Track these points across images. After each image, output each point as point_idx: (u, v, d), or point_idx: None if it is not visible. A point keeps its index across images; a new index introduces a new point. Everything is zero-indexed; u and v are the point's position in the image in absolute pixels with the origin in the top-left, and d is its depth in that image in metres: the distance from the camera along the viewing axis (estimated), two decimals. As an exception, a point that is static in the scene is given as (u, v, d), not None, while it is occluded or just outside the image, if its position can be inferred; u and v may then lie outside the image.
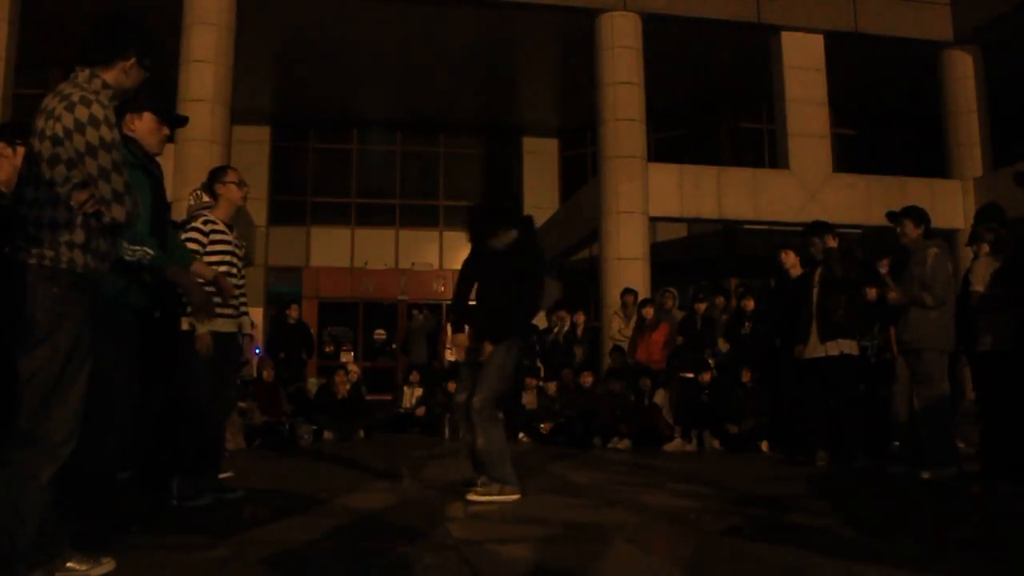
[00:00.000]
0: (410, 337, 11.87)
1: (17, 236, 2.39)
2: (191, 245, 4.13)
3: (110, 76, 2.55)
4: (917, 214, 5.69)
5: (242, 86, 12.28)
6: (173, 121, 3.57)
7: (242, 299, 4.54)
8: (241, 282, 4.51)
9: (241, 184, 4.47)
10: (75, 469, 2.56)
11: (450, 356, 11.30)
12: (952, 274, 5.61)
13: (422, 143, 18.97)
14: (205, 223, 4.31)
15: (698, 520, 3.79)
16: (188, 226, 4.31)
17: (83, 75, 2.51)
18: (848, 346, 6.08)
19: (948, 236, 12.27)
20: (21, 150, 3.00)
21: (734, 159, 15.95)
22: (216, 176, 4.49)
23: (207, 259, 4.20)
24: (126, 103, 3.36)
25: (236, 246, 4.43)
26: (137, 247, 3.03)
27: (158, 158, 3.48)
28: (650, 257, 12.32)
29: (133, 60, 2.58)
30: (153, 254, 3.09)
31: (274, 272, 17.69)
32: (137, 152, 3.28)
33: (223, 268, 4.24)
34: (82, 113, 2.38)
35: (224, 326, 4.22)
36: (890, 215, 5.84)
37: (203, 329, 4.09)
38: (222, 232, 4.33)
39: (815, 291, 6.23)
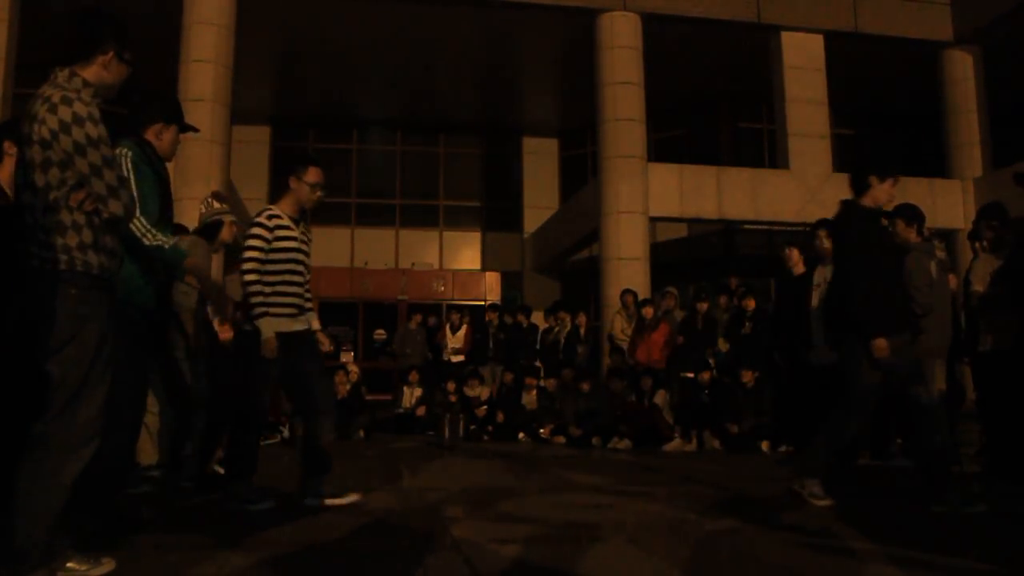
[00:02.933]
0: (407, 338, 11.83)
1: (29, 243, 2.41)
2: (254, 242, 3.97)
3: (90, 73, 2.53)
4: (909, 213, 5.64)
5: (242, 86, 12.28)
6: (187, 129, 3.67)
7: (307, 296, 4.28)
8: (307, 278, 4.27)
9: (316, 187, 4.18)
10: (87, 470, 2.57)
11: (445, 356, 11.22)
12: (935, 277, 5.56)
13: (422, 143, 18.97)
14: (269, 217, 4.05)
15: (698, 520, 3.79)
16: (252, 221, 4.08)
17: (62, 75, 2.50)
18: None
19: (948, 236, 12.27)
20: None
21: (734, 159, 15.96)
22: (295, 169, 4.20)
23: (272, 255, 4.00)
24: (158, 112, 3.45)
25: (303, 241, 4.18)
26: (158, 234, 3.08)
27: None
28: (650, 257, 12.32)
29: (112, 54, 2.56)
30: (172, 242, 3.14)
31: (274, 272, 17.69)
32: (151, 154, 3.32)
33: (288, 266, 4.03)
34: (65, 113, 2.38)
35: (287, 325, 4.03)
36: (887, 215, 5.82)
37: (268, 332, 3.91)
38: (287, 227, 4.06)
39: (815, 293, 6.21)
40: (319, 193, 4.21)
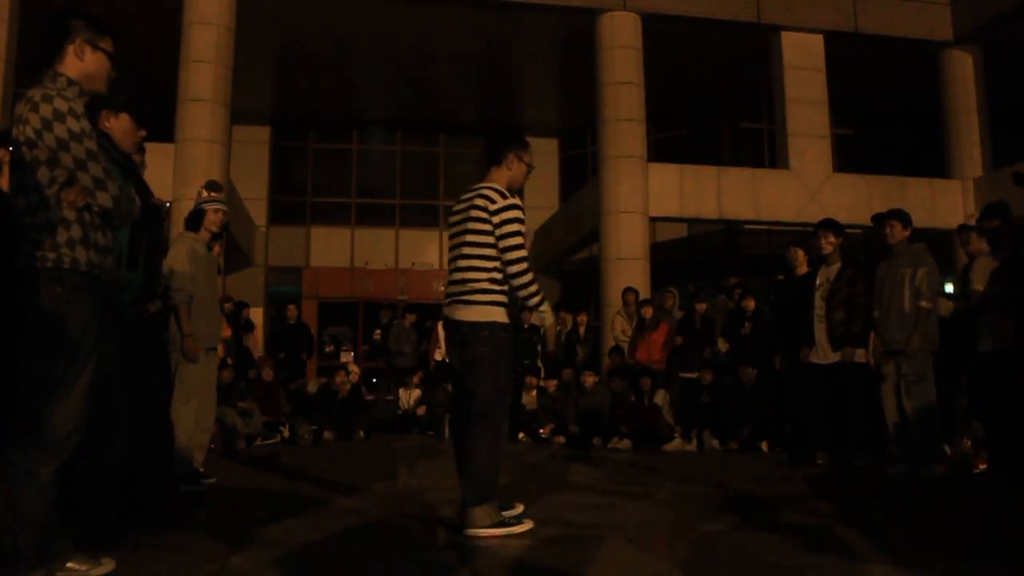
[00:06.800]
0: (403, 337, 11.82)
1: (21, 243, 2.43)
2: (519, 227, 3.45)
3: (68, 68, 2.54)
4: (904, 216, 5.80)
5: (242, 86, 12.27)
6: (143, 123, 3.63)
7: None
8: None
9: (531, 169, 3.76)
10: (86, 470, 2.57)
11: (439, 356, 11.20)
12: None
13: (422, 143, 18.96)
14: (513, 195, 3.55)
15: (698, 520, 3.79)
16: (509, 204, 3.49)
17: (47, 76, 2.54)
18: (858, 355, 6.06)
19: (948, 236, 12.27)
20: None
21: (734, 159, 15.94)
22: (513, 145, 3.69)
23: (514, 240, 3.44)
24: (102, 99, 3.38)
25: None
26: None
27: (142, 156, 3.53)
28: (650, 257, 12.32)
29: (79, 40, 2.55)
30: None
31: (274, 272, 17.68)
32: (111, 149, 3.30)
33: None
34: (46, 110, 2.40)
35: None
36: (876, 217, 5.93)
37: (552, 318, 3.51)
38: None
39: (817, 294, 6.22)
40: (528, 175, 3.79)
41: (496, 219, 3.45)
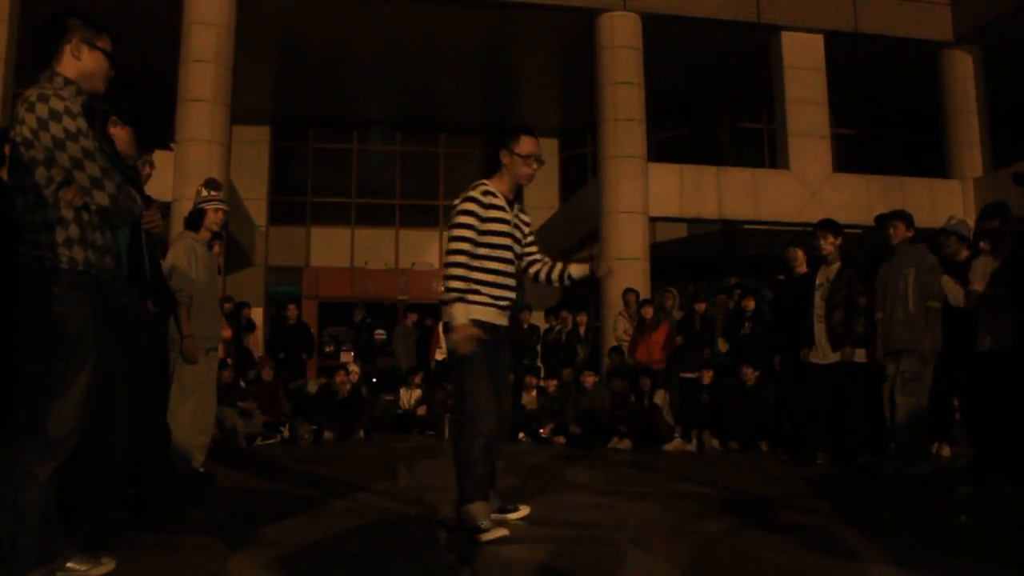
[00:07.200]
0: (405, 337, 11.86)
1: (19, 243, 2.43)
2: (465, 219, 3.42)
3: (65, 67, 2.54)
4: (907, 217, 5.85)
5: (242, 86, 12.28)
6: (146, 146, 3.68)
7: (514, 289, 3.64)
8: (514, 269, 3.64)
9: (531, 159, 3.64)
10: (85, 470, 2.57)
11: (439, 356, 11.22)
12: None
13: (422, 143, 18.96)
14: (484, 193, 3.51)
15: (698, 520, 3.79)
16: (465, 195, 3.51)
17: (44, 76, 2.54)
18: (858, 355, 6.07)
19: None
20: None
21: (734, 159, 15.94)
22: (504, 141, 3.66)
23: (481, 238, 3.43)
24: (114, 105, 3.41)
25: (516, 225, 3.64)
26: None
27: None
28: (650, 257, 12.32)
29: (76, 40, 2.55)
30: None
31: (274, 272, 17.69)
32: (109, 151, 3.31)
33: (496, 252, 3.48)
34: (42, 110, 2.40)
35: (491, 316, 3.46)
36: (879, 218, 5.94)
37: (462, 319, 3.33)
38: (501, 208, 3.52)
39: (817, 294, 6.22)
40: (535, 166, 3.68)
41: (452, 213, 3.53)
